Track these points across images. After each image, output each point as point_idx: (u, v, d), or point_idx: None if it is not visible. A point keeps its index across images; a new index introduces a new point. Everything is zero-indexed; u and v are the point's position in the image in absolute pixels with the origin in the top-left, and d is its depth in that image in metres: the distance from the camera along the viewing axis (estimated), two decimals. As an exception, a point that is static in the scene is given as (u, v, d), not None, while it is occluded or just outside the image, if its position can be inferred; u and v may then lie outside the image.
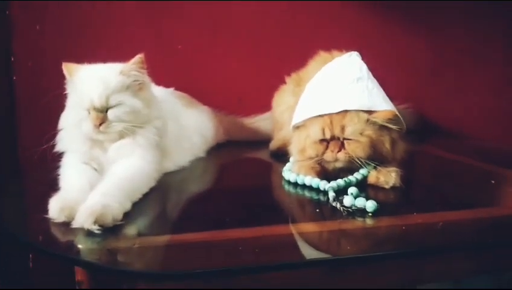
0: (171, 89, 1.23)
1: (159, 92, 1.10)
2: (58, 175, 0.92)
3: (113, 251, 0.70)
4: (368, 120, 0.91)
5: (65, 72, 0.98)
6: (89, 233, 0.72)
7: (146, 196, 0.88)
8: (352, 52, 1.01)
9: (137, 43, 1.37)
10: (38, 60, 1.35)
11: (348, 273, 0.75)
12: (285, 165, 1.04)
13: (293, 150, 1.01)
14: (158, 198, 0.92)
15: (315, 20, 1.44)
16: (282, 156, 1.14)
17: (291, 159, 1.04)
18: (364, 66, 0.97)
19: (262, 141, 1.32)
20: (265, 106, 1.36)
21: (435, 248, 0.71)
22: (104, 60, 1.03)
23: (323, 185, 0.90)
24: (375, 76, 0.99)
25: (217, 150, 1.28)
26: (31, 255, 1.38)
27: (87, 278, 0.73)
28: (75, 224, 0.74)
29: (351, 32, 1.45)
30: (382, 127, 0.92)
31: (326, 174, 0.95)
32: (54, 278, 1.37)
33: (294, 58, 1.27)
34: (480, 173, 1.10)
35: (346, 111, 0.91)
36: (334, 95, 0.94)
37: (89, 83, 0.93)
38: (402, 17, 1.46)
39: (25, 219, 0.85)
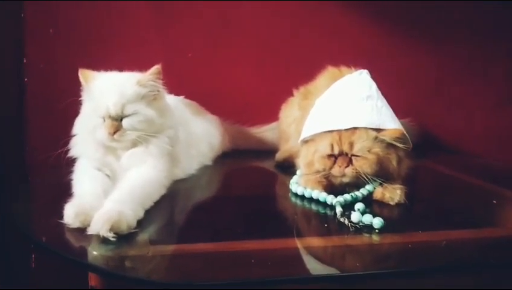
0: (181, 97, 1.26)
1: (169, 100, 1.12)
2: (71, 180, 0.94)
3: (127, 258, 0.72)
4: (376, 138, 0.93)
5: (81, 78, 1.00)
6: (104, 240, 0.74)
7: (157, 203, 0.90)
8: (363, 70, 1.03)
9: (147, 50, 1.40)
10: (50, 63, 1.37)
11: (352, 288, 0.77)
12: (290, 176, 1.07)
13: (301, 163, 1.04)
14: (168, 206, 0.94)
15: (322, 34, 1.47)
16: (287, 167, 1.17)
17: (298, 172, 1.07)
18: (374, 85, 1.00)
19: (267, 150, 1.34)
20: (271, 116, 1.38)
21: (440, 266, 0.73)
22: (115, 65, 1.06)
23: (330, 199, 0.93)
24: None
25: (222, 158, 1.30)
26: (33, 255, 1.39)
27: (100, 284, 0.75)
28: (91, 231, 0.75)
29: (356, 47, 1.47)
30: (389, 145, 0.94)
31: (332, 188, 0.97)
32: (55, 279, 1.39)
33: (300, 70, 1.30)
34: (482, 192, 1.12)
35: (355, 128, 0.94)
36: (343, 111, 0.96)
37: (105, 91, 0.95)
38: (405, 34, 1.48)
39: (39, 223, 0.86)
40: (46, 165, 1.06)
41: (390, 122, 0.95)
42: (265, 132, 1.42)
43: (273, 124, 1.40)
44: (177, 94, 1.23)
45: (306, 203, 0.96)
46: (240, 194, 1.09)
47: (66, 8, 1.35)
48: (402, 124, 0.98)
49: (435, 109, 1.52)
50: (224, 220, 0.91)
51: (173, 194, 0.98)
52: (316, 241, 0.83)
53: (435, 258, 0.76)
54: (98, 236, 0.75)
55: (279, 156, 1.25)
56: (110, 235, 0.74)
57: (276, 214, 0.98)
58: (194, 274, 0.70)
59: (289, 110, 1.27)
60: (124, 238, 0.75)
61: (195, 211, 0.97)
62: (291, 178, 1.05)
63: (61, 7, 1.35)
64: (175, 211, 0.97)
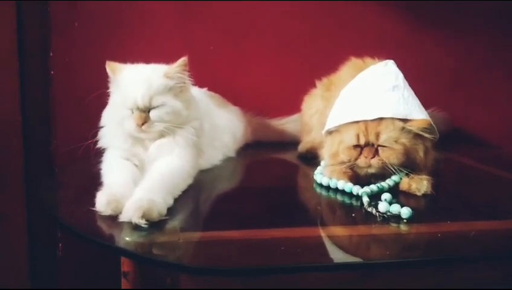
0: (205, 89, 1.27)
1: (193, 92, 1.13)
2: (100, 170, 0.96)
3: (158, 244, 0.73)
4: (403, 128, 0.93)
5: (108, 71, 1.01)
6: (135, 227, 0.76)
7: (184, 193, 0.91)
8: (388, 60, 1.03)
9: (170, 42, 1.41)
10: (75, 56, 1.39)
11: (379, 279, 0.77)
12: (313, 167, 1.07)
13: (325, 154, 1.04)
14: (195, 195, 0.96)
15: (344, 25, 1.46)
16: (310, 158, 1.17)
17: (322, 162, 1.07)
18: (400, 75, 0.99)
19: (289, 142, 1.34)
20: (293, 107, 1.39)
21: (470, 256, 0.73)
22: (139, 57, 1.07)
23: (356, 190, 0.93)
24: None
25: (245, 150, 1.31)
26: (60, 245, 1.43)
27: (132, 270, 0.77)
28: (123, 218, 0.77)
29: (379, 38, 1.46)
30: (416, 136, 0.93)
31: (357, 179, 0.97)
32: (82, 267, 1.42)
33: (322, 60, 1.29)
34: (509, 183, 1.11)
35: (381, 118, 0.93)
36: (369, 102, 0.96)
37: (133, 83, 0.97)
38: (428, 24, 1.47)
39: (72, 211, 0.88)
40: (74, 157, 1.09)
41: (417, 113, 0.94)
42: (287, 123, 1.42)
43: (295, 116, 1.40)
44: (200, 86, 1.24)
45: (331, 194, 0.96)
46: (264, 185, 1.10)
47: (91, 2, 1.37)
48: (429, 114, 0.98)
49: (458, 101, 1.50)
50: (249, 209, 0.92)
51: (199, 184, 0.99)
52: (343, 231, 0.84)
53: (464, 248, 0.75)
54: (129, 223, 0.76)
55: (301, 147, 1.25)
56: (142, 223, 0.75)
57: (301, 204, 0.98)
58: (223, 260, 0.71)
59: (312, 102, 1.27)
60: (155, 225, 0.77)
61: (221, 201, 0.99)
62: (314, 169, 1.05)
63: (85, 1, 1.37)
64: (201, 200, 0.98)
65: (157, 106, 0.96)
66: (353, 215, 0.87)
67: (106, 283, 1.27)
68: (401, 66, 1.04)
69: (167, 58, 1.05)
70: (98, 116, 1.06)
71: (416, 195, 0.93)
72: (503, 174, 1.18)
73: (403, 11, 1.45)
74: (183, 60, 1.00)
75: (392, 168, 0.92)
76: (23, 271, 1.40)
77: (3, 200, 1.36)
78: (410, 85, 1.02)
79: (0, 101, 1.34)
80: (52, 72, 1.39)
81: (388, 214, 0.82)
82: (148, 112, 0.96)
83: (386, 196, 0.88)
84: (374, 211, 0.83)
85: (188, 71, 1.01)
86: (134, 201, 0.78)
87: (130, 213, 0.76)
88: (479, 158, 1.33)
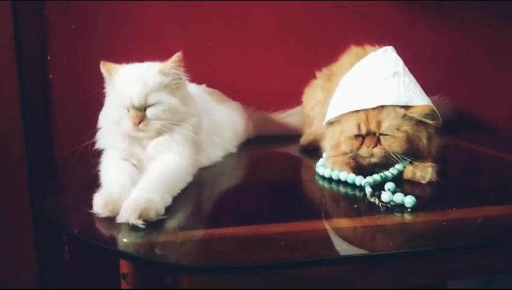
0: (203, 86, 1.25)
1: (192, 88, 1.12)
2: (99, 171, 0.95)
3: (157, 245, 0.72)
4: (404, 115, 0.90)
5: (103, 71, 1.00)
6: (133, 227, 0.75)
7: (184, 191, 0.90)
8: (388, 46, 1.00)
9: (168, 41, 1.39)
10: (73, 59, 1.38)
11: (385, 268, 0.75)
12: (316, 160, 1.05)
13: (327, 145, 1.02)
14: (195, 193, 0.94)
15: (343, 14, 1.44)
16: (312, 151, 1.15)
17: (324, 154, 1.05)
18: (400, 61, 0.97)
19: (291, 135, 1.33)
20: (294, 100, 1.37)
21: (476, 244, 0.71)
22: (136, 57, 1.06)
23: (359, 180, 0.91)
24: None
25: (247, 145, 1.29)
26: (67, 248, 1.43)
27: (131, 271, 0.76)
28: (120, 219, 0.76)
29: (379, 24, 1.43)
30: (419, 122, 0.91)
31: (360, 169, 0.95)
32: (88, 270, 1.42)
33: (322, 52, 1.27)
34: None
35: (382, 106, 0.91)
36: (369, 90, 0.94)
37: (128, 82, 0.96)
38: (431, 8, 1.44)
39: (70, 214, 0.88)
40: (73, 159, 1.08)
41: (418, 99, 0.92)
42: (289, 116, 1.40)
43: (296, 109, 1.38)
44: (198, 83, 1.23)
45: (334, 186, 0.95)
46: (266, 180, 1.08)
47: (86, 4, 1.37)
48: (431, 100, 0.95)
49: (464, 85, 1.47)
50: (252, 205, 0.90)
51: (199, 181, 0.98)
52: (347, 223, 0.82)
53: (470, 236, 0.73)
54: (127, 224, 0.75)
55: (304, 140, 1.24)
56: (139, 223, 0.74)
57: (304, 197, 0.97)
58: (223, 258, 0.69)
59: (312, 93, 1.25)
60: (153, 225, 0.75)
61: (222, 197, 0.97)
62: (317, 162, 1.04)
63: (81, 2, 1.36)
64: (202, 197, 0.97)
65: (154, 104, 0.95)
66: (355, 206, 0.85)
67: (112, 285, 1.26)
68: (403, 52, 1.02)
69: (166, 56, 1.03)
70: (96, 118, 1.05)
71: (421, 183, 0.91)
72: (509, 157, 1.14)
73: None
74: (177, 55, 0.98)
75: (395, 157, 0.90)
76: (31, 275, 1.40)
77: (9, 205, 1.36)
78: (413, 72, 0.99)
79: (1, 107, 1.34)
80: (50, 76, 1.39)
81: (391, 203, 0.80)
82: (145, 110, 0.95)
83: (389, 185, 0.86)
84: (376, 201, 0.81)
85: (183, 67, 1.00)
86: (131, 201, 0.77)
87: (127, 214, 0.75)
88: (485, 142, 1.31)
